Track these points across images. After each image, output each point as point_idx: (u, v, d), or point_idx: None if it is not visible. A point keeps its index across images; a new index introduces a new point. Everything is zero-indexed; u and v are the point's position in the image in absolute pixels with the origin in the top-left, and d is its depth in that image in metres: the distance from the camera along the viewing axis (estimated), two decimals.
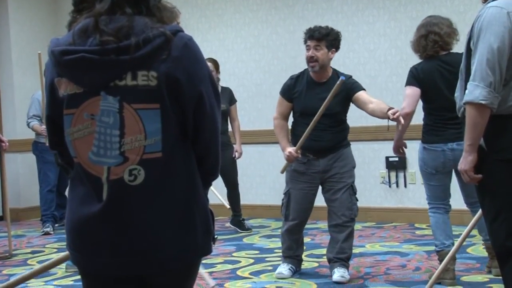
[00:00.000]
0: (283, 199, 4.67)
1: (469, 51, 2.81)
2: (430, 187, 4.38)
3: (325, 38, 4.48)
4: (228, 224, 6.85)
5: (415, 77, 4.28)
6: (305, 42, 4.56)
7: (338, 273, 4.46)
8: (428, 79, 4.24)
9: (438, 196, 4.37)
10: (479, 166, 2.80)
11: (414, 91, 4.26)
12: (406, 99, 4.28)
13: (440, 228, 4.33)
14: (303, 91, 4.54)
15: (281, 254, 4.81)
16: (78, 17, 1.92)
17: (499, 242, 2.82)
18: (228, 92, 6.57)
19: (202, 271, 4.10)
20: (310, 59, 4.48)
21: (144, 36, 1.83)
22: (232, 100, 6.59)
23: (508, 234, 2.77)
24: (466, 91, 2.75)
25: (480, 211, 3.50)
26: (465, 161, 2.80)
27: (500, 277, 2.95)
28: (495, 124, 2.74)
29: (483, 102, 2.69)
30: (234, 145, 6.58)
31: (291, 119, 4.74)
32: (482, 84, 2.69)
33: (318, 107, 4.31)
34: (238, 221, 6.72)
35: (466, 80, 2.79)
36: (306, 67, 4.61)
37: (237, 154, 6.54)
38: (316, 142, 4.48)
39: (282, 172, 4.74)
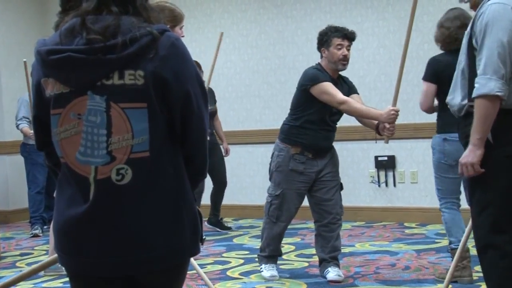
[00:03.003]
0: (272, 200, 4.61)
1: (470, 50, 2.83)
2: (446, 180, 4.25)
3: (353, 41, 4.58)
4: (207, 225, 6.71)
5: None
6: (333, 40, 4.47)
7: (334, 272, 4.47)
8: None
9: (453, 190, 4.28)
10: (483, 160, 2.81)
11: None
12: None
13: (457, 225, 4.24)
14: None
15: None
16: (65, 18, 1.91)
17: (481, 235, 2.84)
18: (211, 92, 6.60)
19: (204, 276, 4.11)
20: (344, 58, 4.47)
21: (131, 35, 1.82)
22: (214, 100, 6.63)
23: (491, 227, 2.80)
24: (477, 85, 2.76)
25: None
26: (473, 155, 2.80)
27: None
28: (502, 119, 2.76)
29: (499, 93, 2.72)
30: (220, 145, 6.58)
31: (282, 118, 4.73)
32: (495, 76, 2.72)
33: None
34: (217, 221, 6.70)
35: (471, 78, 2.81)
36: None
37: (226, 152, 6.58)
38: (326, 142, 4.53)
39: (386, 142, 4.40)
